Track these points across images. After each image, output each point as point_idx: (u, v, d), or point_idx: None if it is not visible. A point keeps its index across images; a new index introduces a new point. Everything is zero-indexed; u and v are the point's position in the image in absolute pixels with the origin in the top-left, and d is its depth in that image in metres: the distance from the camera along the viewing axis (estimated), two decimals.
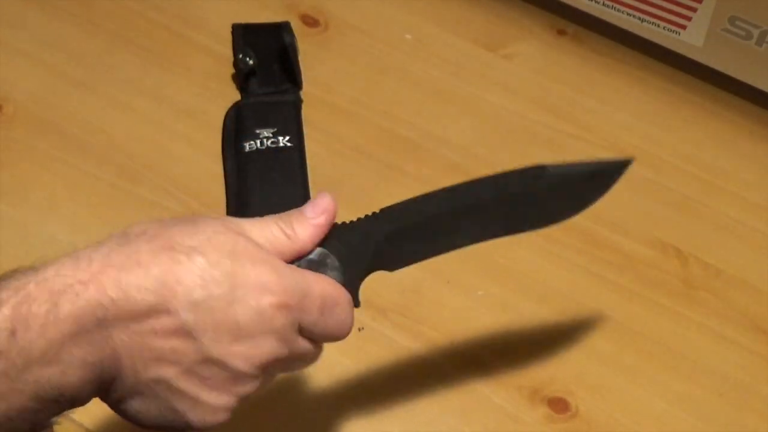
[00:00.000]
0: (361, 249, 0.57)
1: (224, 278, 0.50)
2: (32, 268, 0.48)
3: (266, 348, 0.51)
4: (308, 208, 0.56)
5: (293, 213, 0.55)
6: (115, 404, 0.51)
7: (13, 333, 0.45)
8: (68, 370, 0.47)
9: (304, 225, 0.55)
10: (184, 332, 0.49)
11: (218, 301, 0.49)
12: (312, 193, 0.85)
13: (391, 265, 0.59)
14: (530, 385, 0.75)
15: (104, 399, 0.51)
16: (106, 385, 0.49)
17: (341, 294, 0.55)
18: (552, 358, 0.77)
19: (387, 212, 0.58)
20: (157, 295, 0.48)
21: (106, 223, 0.82)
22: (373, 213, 0.58)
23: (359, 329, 0.77)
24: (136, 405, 0.51)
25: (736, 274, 0.82)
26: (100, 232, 0.81)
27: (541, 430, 0.73)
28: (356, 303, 0.57)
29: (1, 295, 0.46)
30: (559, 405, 0.75)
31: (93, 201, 0.84)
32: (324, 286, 0.54)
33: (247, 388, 0.52)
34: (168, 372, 0.50)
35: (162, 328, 0.49)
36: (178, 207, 0.84)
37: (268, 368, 0.52)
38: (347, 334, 0.56)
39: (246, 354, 0.51)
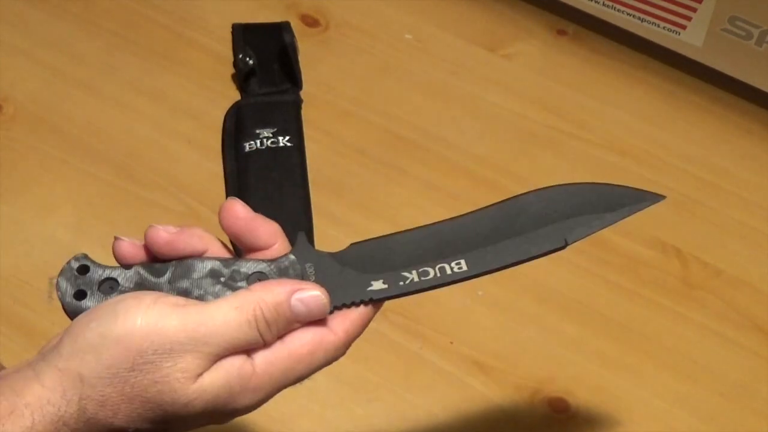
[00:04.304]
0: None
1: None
2: None
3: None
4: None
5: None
6: None
7: None
8: None
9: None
10: None
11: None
12: (312, 193, 0.85)
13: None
14: (530, 385, 0.75)
15: None
16: None
17: (323, 339, 0.54)
18: (552, 358, 0.77)
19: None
20: None
21: (106, 223, 0.82)
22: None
23: None
24: None
25: (736, 274, 0.82)
26: (100, 232, 0.83)
27: (541, 430, 0.73)
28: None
29: None
30: (559, 405, 0.75)
31: (93, 201, 0.84)
32: (304, 346, 0.53)
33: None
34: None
35: None
36: (178, 207, 0.84)
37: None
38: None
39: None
